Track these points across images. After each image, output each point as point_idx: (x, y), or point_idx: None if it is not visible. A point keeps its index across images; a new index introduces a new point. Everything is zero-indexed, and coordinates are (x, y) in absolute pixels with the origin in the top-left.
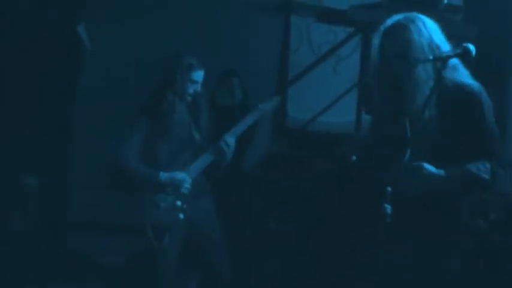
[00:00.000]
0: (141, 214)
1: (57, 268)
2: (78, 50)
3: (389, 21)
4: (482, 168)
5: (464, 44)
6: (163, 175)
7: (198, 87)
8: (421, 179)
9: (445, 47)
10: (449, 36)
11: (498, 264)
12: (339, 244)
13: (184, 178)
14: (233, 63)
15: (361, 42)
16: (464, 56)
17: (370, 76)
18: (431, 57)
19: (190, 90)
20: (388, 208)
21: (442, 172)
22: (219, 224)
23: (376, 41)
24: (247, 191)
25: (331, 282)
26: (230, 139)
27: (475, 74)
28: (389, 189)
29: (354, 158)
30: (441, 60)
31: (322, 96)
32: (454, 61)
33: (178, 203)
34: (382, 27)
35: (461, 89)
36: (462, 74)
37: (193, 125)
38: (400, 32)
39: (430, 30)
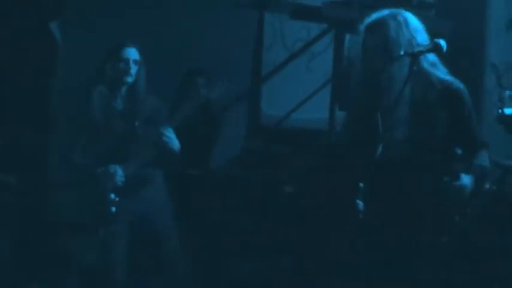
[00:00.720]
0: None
1: (36, 267)
2: (52, 48)
3: (373, 17)
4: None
5: (436, 40)
6: (99, 169)
7: (132, 66)
8: None
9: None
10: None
11: (476, 259)
12: (315, 241)
13: (116, 171)
14: (205, 60)
15: (334, 39)
16: (435, 51)
17: (346, 71)
18: (402, 53)
19: (125, 70)
20: (360, 204)
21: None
22: (173, 215)
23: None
24: (215, 188)
25: (307, 280)
26: (166, 130)
27: (450, 70)
28: (361, 185)
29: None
30: (412, 56)
31: (296, 92)
32: (433, 58)
33: (112, 196)
34: (365, 22)
35: (447, 85)
36: (442, 71)
37: (135, 115)
38: (380, 27)
39: (411, 28)
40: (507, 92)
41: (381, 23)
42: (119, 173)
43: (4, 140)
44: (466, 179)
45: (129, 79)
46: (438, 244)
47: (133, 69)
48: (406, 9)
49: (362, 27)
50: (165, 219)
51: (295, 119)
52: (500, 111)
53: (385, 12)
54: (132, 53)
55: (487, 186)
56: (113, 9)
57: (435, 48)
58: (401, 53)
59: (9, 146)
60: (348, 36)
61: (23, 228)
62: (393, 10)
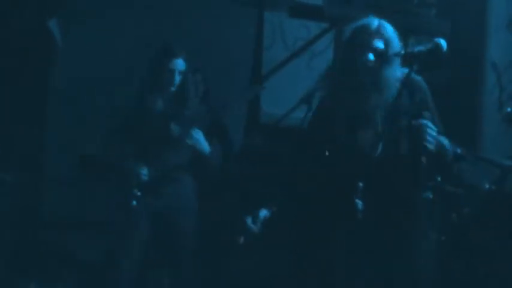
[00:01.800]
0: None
1: (30, 265)
2: (50, 46)
3: (370, 21)
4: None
5: (436, 39)
6: (127, 163)
7: (177, 77)
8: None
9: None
10: (423, 31)
11: (472, 257)
12: (315, 239)
13: (142, 166)
14: (205, 59)
15: (334, 38)
16: (435, 51)
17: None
18: (403, 52)
19: (169, 80)
20: (360, 204)
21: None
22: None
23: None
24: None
25: (307, 278)
26: (197, 133)
27: (450, 69)
28: (360, 184)
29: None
30: (413, 56)
31: (296, 91)
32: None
33: (135, 190)
34: (361, 24)
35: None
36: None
37: (174, 118)
38: (382, 30)
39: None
40: None
41: (381, 26)
42: (143, 174)
43: (1, 137)
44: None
45: (172, 89)
46: (434, 241)
47: (178, 79)
48: (407, 8)
49: (357, 29)
50: (188, 220)
51: (296, 118)
52: (509, 109)
53: (373, 18)
54: (179, 64)
55: (487, 186)
56: (112, 7)
57: (436, 48)
58: (402, 52)
59: (5, 144)
60: None
61: (20, 227)
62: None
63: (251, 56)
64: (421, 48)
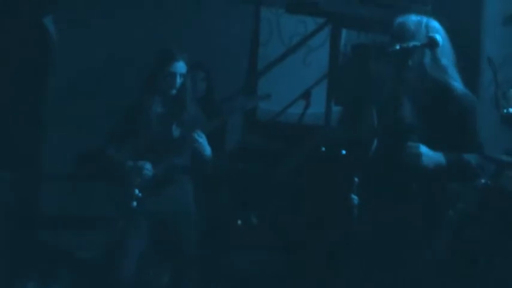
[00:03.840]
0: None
1: (28, 262)
2: (45, 43)
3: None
4: (473, 159)
5: (430, 35)
6: (129, 163)
7: (178, 80)
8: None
9: None
10: None
11: (470, 254)
12: (311, 235)
13: (144, 166)
14: (202, 55)
15: (331, 34)
16: (430, 46)
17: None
18: (398, 47)
19: (171, 83)
20: (355, 199)
21: (440, 155)
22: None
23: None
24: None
25: (304, 275)
26: (199, 136)
27: None
28: (356, 179)
29: (323, 149)
30: (407, 51)
31: (293, 87)
32: (446, 62)
33: (136, 191)
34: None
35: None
36: (455, 78)
37: (174, 120)
38: None
39: None
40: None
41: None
42: (147, 169)
43: (3, 135)
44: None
45: (173, 91)
46: (432, 239)
47: (179, 82)
48: (403, 4)
49: None
50: (187, 221)
51: (292, 114)
52: (505, 111)
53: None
54: (180, 67)
55: (483, 181)
56: (108, 5)
57: (430, 43)
58: (397, 47)
59: (4, 141)
60: (344, 31)
61: (18, 224)
62: None
63: (248, 52)
64: (415, 43)
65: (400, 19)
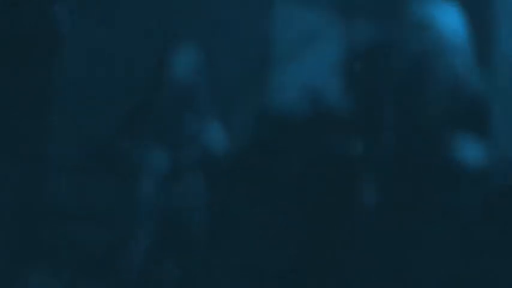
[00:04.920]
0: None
1: (34, 256)
2: (54, 36)
3: None
4: None
5: None
6: (139, 157)
7: (189, 71)
8: None
9: None
10: None
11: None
12: (317, 232)
13: (157, 160)
14: (215, 45)
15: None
16: None
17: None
18: None
19: (179, 75)
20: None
21: None
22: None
23: None
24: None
25: (309, 273)
26: (215, 130)
27: None
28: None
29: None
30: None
31: (302, 82)
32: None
33: (146, 185)
34: None
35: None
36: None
37: (186, 113)
38: None
39: None
40: None
41: None
42: (158, 164)
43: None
44: None
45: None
46: (440, 235)
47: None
48: None
49: None
50: (198, 217)
51: (301, 110)
52: None
53: None
54: (192, 62)
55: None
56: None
57: None
58: None
59: (11, 134)
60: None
61: (25, 217)
62: None
63: (258, 46)
64: None
65: None
